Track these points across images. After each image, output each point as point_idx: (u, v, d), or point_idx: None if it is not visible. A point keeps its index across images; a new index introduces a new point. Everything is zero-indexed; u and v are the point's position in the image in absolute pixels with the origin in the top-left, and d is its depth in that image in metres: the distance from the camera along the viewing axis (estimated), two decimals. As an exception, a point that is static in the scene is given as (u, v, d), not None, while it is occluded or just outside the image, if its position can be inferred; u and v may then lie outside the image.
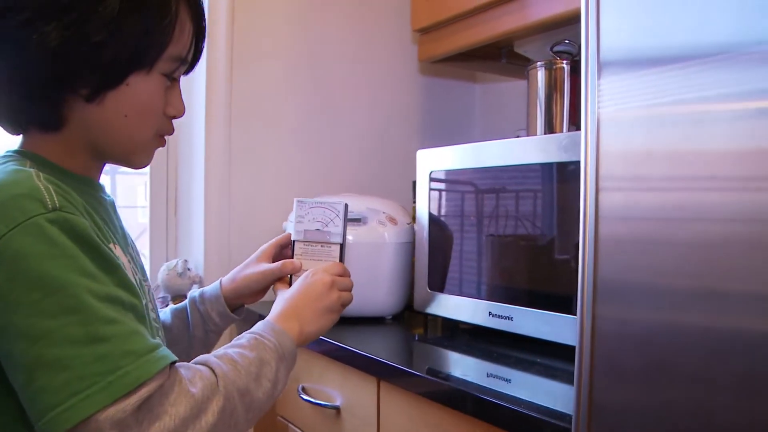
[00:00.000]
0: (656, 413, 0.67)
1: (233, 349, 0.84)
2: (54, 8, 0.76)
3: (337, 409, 1.37)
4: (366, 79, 2.02)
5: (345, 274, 1.04)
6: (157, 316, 0.97)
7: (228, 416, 0.77)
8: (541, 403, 0.94)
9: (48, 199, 0.72)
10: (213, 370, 0.78)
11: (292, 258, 1.07)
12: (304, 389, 1.47)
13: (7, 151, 0.83)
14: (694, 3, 0.64)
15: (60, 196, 0.73)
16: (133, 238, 0.99)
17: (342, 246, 1.08)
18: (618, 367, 0.71)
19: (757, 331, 0.59)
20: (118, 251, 0.83)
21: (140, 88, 0.82)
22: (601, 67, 0.72)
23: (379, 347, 1.34)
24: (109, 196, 0.94)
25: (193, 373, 0.76)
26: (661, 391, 0.66)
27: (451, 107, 2.16)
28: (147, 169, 1.94)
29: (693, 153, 0.64)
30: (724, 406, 0.61)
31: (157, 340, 0.74)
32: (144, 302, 0.81)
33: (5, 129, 0.85)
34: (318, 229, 1.08)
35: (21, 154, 0.83)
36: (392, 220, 1.55)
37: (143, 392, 0.68)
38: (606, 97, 0.72)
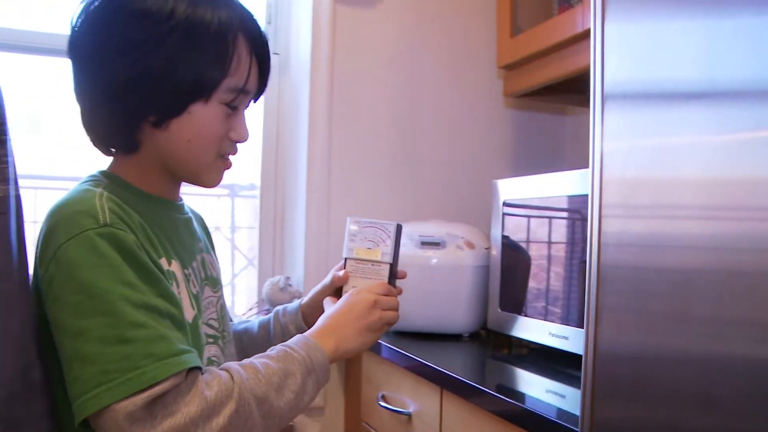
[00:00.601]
0: (642, 426, 0.75)
1: (261, 359, 0.90)
2: (121, 50, 0.88)
3: (409, 415, 1.49)
4: (453, 112, 2.14)
5: (390, 294, 1.06)
6: (222, 325, 1.06)
7: (242, 421, 0.83)
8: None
9: (101, 216, 0.83)
10: (232, 377, 0.85)
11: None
12: (383, 397, 1.60)
13: (95, 172, 0.97)
14: (671, 52, 0.74)
15: (113, 214, 0.85)
16: (214, 254, 1.12)
17: (392, 266, 1.09)
18: (614, 383, 0.79)
19: (722, 352, 0.67)
20: (173, 266, 0.94)
21: (200, 115, 0.93)
22: (604, 102, 0.82)
23: (447, 361, 1.45)
24: (185, 214, 1.05)
25: (213, 377, 0.84)
26: (647, 408, 0.75)
27: (540, 139, 2.24)
28: (258, 195, 2.16)
29: (672, 183, 0.73)
30: (688, 419, 0.69)
31: (184, 347, 0.83)
32: (196, 311, 0.93)
33: (100, 151, 0.99)
34: (368, 248, 1.10)
35: (103, 174, 0.96)
36: (470, 245, 1.66)
37: (156, 390, 0.77)
38: (608, 132, 0.81)
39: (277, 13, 2.15)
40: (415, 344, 1.57)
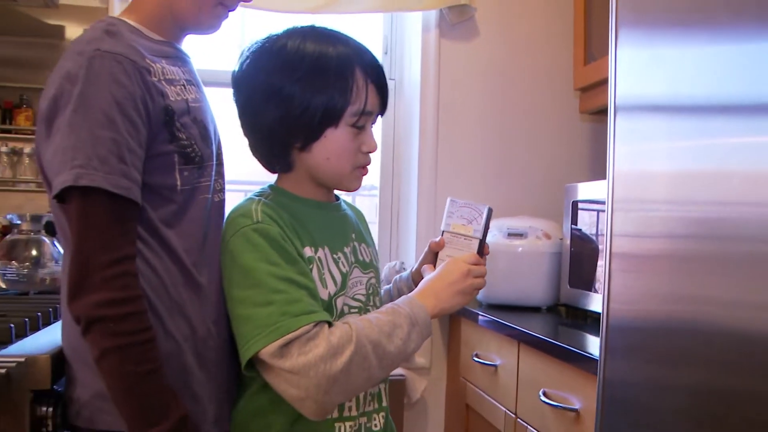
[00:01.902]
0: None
1: (374, 314, 1.09)
2: (270, 94, 1.11)
3: (495, 367, 1.92)
4: (537, 125, 2.51)
5: (479, 263, 1.20)
6: (369, 299, 1.22)
7: (361, 359, 1.03)
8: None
9: (254, 216, 1.09)
10: (350, 326, 1.04)
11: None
12: (476, 355, 2.03)
13: (265, 186, 1.20)
14: (671, 69, 1.12)
15: (264, 214, 1.09)
16: (371, 242, 1.30)
17: (481, 241, 1.23)
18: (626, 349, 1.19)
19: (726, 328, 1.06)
20: (319, 252, 1.13)
21: (334, 138, 1.12)
22: (616, 112, 1.20)
23: (524, 323, 1.84)
24: (341, 211, 1.24)
25: (336, 327, 1.05)
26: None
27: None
28: (378, 195, 2.63)
29: (672, 176, 1.11)
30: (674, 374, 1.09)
31: (315, 308, 1.04)
32: (339, 286, 1.14)
33: (266, 169, 1.22)
34: (463, 224, 1.24)
35: (270, 187, 1.19)
36: (546, 236, 2.06)
37: (288, 337, 1.01)
38: (619, 137, 1.19)
39: (393, 46, 2.62)
40: (502, 313, 1.99)
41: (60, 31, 2.22)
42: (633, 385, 1.13)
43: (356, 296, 1.18)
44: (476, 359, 2.01)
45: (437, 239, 1.26)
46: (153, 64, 1.09)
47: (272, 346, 1.01)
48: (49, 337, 1.27)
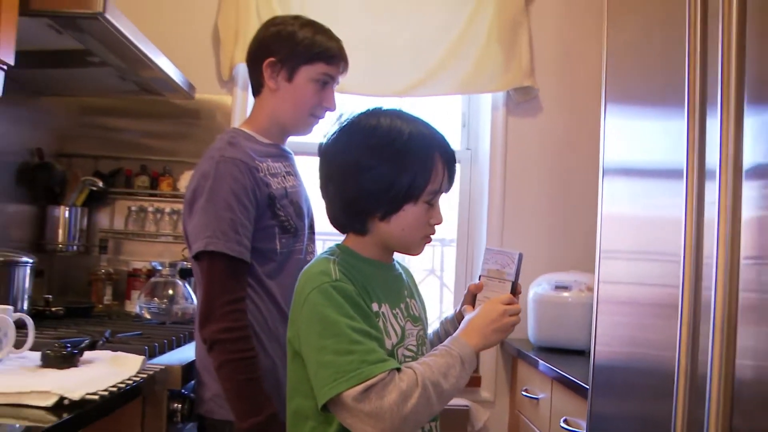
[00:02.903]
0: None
1: (431, 357, 1.18)
2: (359, 169, 1.20)
3: (537, 399, 2.24)
4: (590, 190, 2.83)
5: (513, 302, 1.27)
6: (419, 348, 1.30)
7: (425, 401, 1.12)
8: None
9: (333, 275, 1.17)
10: (415, 372, 1.13)
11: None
12: (526, 389, 2.36)
13: (334, 245, 1.28)
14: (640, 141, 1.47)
15: (341, 273, 1.17)
16: (419, 298, 1.40)
17: (514, 283, 1.31)
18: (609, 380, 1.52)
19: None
20: (383, 308, 1.23)
21: (411, 212, 1.22)
22: (604, 174, 1.54)
23: (562, 364, 2.16)
24: (396, 272, 1.34)
25: (404, 372, 1.13)
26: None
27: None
28: (455, 245, 3.02)
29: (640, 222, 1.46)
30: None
31: (386, 357, 1.13)
32: (400, 338, 1.24)
33: (338, 230, 1.30)
34: (497, 269, 1.33)
35: (339, 247, 1.27)
36: (589, 289, 2.38)
37: (369, 383, 1.08)
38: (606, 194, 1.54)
39: (469, 121, 3.03)
40: (548, 355, 2.31)
41: (195, 114, 2.78)
42: (613, 415, 1.46)
43: (409, 347, 1.28)
44: (524, 393, 2.34)
45: (476, 282, 1.37)
46: (261, 164, 1.58)
47: (355, 390, 1.10)
48: (180, 355, 1.75)
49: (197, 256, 1.50)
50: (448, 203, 3.06)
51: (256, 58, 1.67)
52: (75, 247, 2.60)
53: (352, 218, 1.26)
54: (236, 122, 2.72)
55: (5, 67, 1.59)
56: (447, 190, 1.28)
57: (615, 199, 1.53)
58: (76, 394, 1.19)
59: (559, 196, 2.83)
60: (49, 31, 1.84)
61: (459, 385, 1.18)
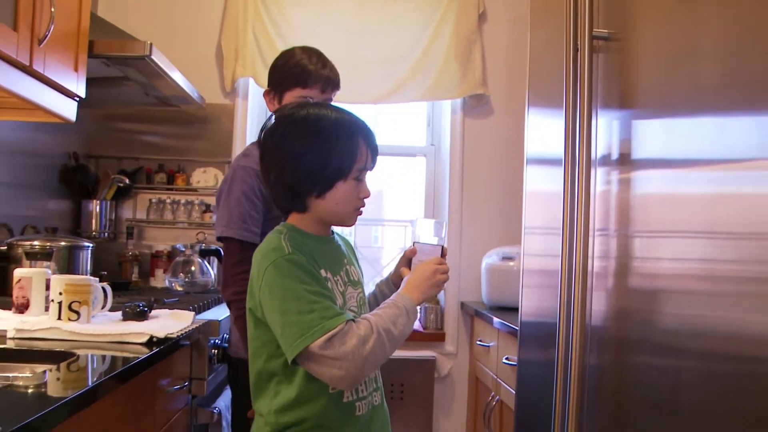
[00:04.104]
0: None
1: (381, 309, 1.33)
2: (295, 155, 1.34)
3: (488, 347, 2.83)
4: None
5: (443, 263, 1.45)
6: (359, 309, 1.44)
7: (380, 344, 1.27)
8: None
9: (286, 249, 1.31)
10: (370, 321, 1.28)
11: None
12: (480, 340, 2.95)
13: (281, 224, 1.41)
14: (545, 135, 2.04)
15: (292, 246, 1.31)
16: (357, 264, 1.53)
17: (443, 247, 1.50)
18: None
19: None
20: (328, 274, 1.36)
21: (342, 188, 1.36)
22: (527, 163, 2.11)
23: (509, 317, 2.74)
24: (335, 243, 1.47)
25: (360, 322, 1.28)
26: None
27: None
28: (422, 227, 3.60)
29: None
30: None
31: (341, 310, 1.28)
32: (342, 300, 1.37)
33: (281, 212, 1.45)
34: (428, 236, 1.52)
35: (284, 225, 1.40)
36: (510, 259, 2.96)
37: (330, 334, 1.23)
38: (528, 180, 2.12)
39: (433, 121, 3.60)
40: (501, 313, 2.89)
41: (204, 120, 3.30)
42: (532, 356, 2.04)
43: (351, 308, 1.43)
44: (479, 343, 2.93)
45: (410, 248, 1.56)
46: None
47: (320, 341, 1.24)
48: (210, 314, 2.31)
49: (219, 239, 2.02)
50: (417, 189, 3.64)
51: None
52: (106, 234, 3.13)
53: (293, 199, 1.40)
54: (238, 126, 3.27)
55: (78, 99, 2.11)
56: (372, 167, 1.43)
57: (533, 184, 2.05)
58: (160, 334, 1.74)
59: (506, 184, 3.40)
60: (101, 65, 2.36)
61: (405, 332, 1.34)
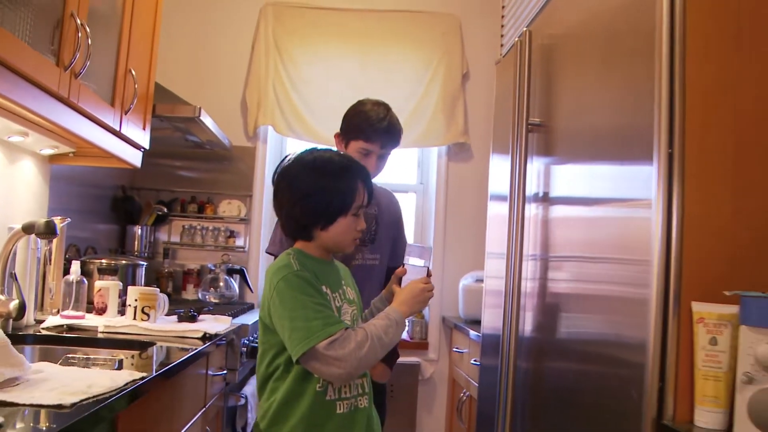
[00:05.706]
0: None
1: (375, 320, 1.52)
2: (303, 194, 1.53)
3: (462, 353, 3.44)
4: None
5: (429, 282, 1.64)
6: (352, 325, 1.57)
7: (374, 349, 1.46)
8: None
9: (294, 266, 1.49)
10: (365, 329, 1.48)
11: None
12: (457, 347, 3.54)
13: (290, 248, 1.60)
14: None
15: (299, 264, 1.49)
16: (353, 287, 1.72)
17: (428, 269, 1.69)
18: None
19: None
20: (328, 291, 1.54)
21: (343, 223, 1.56)
22: (490, 199, 2.72)
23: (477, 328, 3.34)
24: (335, 267, 1.66)
25: (357, 330, 1.47)
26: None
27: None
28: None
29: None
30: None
31: (340, 320, 1.48)
32: (338, 315, 1.53)
33: (291, 239, 1.63)
34: (417, 258, 1.71)
35: (293, 249, 1.59)
36: (498, 281, 3.57)
37: (332, 338, 1.41)
38: (490, 214, 2.72)
39: (423, 162, 4.21)
40: (475, 325, 3.48)
41: (230, 158, 3.90)
42: (489, 362, 2.64)
43: (345, 321, 1.57)
44: (455, 350, 3.53)
45: (401, 268, 1.74)
46: None
47: (324, 342, 1.42)
48: (240, 319, 2.91)
49: (267, 252, 2.33)
50: (408, 222, 4.24)
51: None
52: (146, 254, 3.72)
53: (301, 230, 1.60)
54: (258, 166, 3.88)
55: (143, 150, 2.72)
56: (368, 204, 1.62)
57: (492, 216, 2.60)
58: (212, 331, 2.34)
59: (482, 217, 3.80)
60: (156, 120, 2.99)
61: (394, 340, 1.53)
